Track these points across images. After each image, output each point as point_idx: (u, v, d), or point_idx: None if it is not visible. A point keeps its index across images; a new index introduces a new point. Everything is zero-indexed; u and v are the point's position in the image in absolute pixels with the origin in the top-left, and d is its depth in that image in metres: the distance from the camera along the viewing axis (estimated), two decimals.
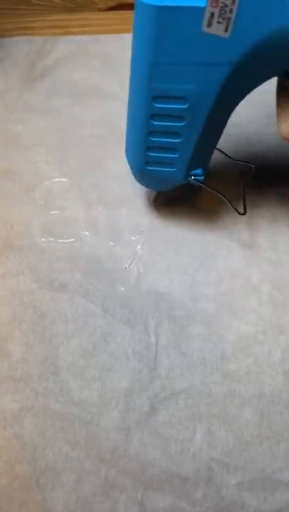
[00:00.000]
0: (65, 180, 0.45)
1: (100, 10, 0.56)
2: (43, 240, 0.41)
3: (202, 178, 0.36)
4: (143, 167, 0.35)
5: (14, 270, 0.40)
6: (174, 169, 0.35)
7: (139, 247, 0.41)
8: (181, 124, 0.31)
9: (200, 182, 0.36)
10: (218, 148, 0.37)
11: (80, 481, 0.33)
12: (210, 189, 0.37)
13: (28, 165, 0.45)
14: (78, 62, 0.52)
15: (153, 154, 0.34)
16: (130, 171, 0.38)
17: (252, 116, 0.47)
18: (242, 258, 0.41)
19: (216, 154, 0.37)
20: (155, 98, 0.29)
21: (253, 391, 0.36)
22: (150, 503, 0.33)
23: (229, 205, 0.38)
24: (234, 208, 0.38)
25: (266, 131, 0.47)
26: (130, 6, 0.55)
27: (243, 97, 0.30)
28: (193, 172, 0.35)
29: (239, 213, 0.37)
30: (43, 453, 0.34)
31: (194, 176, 0.36)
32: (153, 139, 0.33)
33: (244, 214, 0.38)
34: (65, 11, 0.56)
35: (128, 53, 0.52)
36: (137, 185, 0.43)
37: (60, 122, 0.48)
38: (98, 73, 0.52)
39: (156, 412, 0.35)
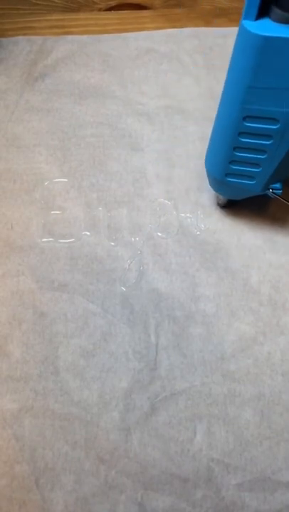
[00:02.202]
0: (65, 180, 0.44)
1: (100, 10, 0.56)
2: (44, 240, 0.41)
3: (280, 192, 0.37)
4: (222, 178, 0.36)
5: (14, 270, 0.40)
6: (254, 182, 0.36)
7: (139, 246, 0.41)
8: (268, 143, 0.32)
9: (277, 195, 0.37)
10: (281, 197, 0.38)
11: (79, 481, 0.33)
12: (287, 202, 0.37)
13: (28, 165, 0.45)
14: (79, 62, 0.52)
15: (235, 167, 0.35)
16: (207, 177, 0.40)
17: None
18: (242, 259, 0.41)
19: None
20: (246, 118, 0.30)
21: (252, 391, 0.36)
22: (150, 503, 0.33)
23: None
24: None
25: None
26: (130, 6, 0.55)
27: None
28: (272, 186, 0.36)
29: None
30: (43, 453, 0.34)
31: (273, 189, 0.36)
32: (237, 154, 0.34)
33: None
34: (66, 11, 0.56)
35: (128, 53, 0.53)
36: (138, 184, 0.44)
37: (61, 122, 0.48)
38: (99, 73, 0.52)
39: (156, 413, 0.35)
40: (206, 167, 0.38)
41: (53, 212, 0.43)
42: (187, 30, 0.55)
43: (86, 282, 0.40)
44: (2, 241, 0.41)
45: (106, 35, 0.54)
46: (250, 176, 0.35)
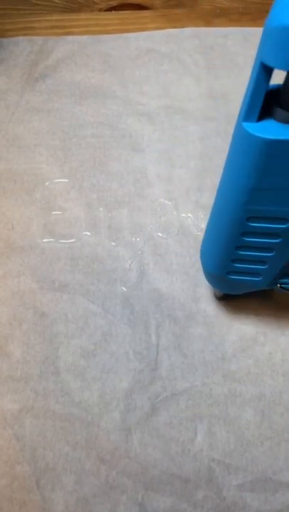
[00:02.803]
0: (66, 180, 0.45)
1: (100, 10, 0.56)
2: (44, 240, 0.41)
3: None
4: (223, 275, 0.33)
5: (15, 271, 0.40)
6: (259, 279, 0.33)
7: (140, 247, 0.41)
8: (276, 241, 0.29)
9: (287, 290, 0.34)
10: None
11: (80, 481, 0.33)
12: None
13: (29, 165, 0.45)
14: (79, 62, 0.52)
15: (238, 265, 0.32)
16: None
17: None
18: None
19: None
20: (250, 218, 0.27)
21: (253, 392, 0.36)
22: (151, 504, 0.33)
23: None
24: None
25: None
26: (131, 7, 0.55)
27: None
28: (280, 281, 0.34)
29: None
30: (43, 453, 0.34)
31: (281, 285, 0.34)
32: (241, 253, 0.30)
33: None
34: (66, 11, 0.56)
35: (129, 53, 0.52)
36: (139, 184, 0.44)
37: (61, 122, 0.48)
38: (99, 73, 0.52)
39: (156, 413, 0.35)
40: (201, 262, 0.35)
41: (53, 212, 0.43)
42: (188, 30, 0.55)
43: (87, 282, 0.40)
44: (3, 241, 0.41)
45: (106, 36, 0.54)
46: (255, 273, 0.32)
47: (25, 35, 0.54)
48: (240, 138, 0.25)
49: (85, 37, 0.54)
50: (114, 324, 0.38)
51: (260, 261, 0.31)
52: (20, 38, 0.54)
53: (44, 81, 0.51)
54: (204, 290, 0.39)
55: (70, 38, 0.54)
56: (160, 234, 0.42)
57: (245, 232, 0.28)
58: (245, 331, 0.38)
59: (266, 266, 0.31)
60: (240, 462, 0.34)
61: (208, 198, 0.43)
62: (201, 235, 0.42)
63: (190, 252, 0.41)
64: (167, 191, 0.44)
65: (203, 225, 0.42)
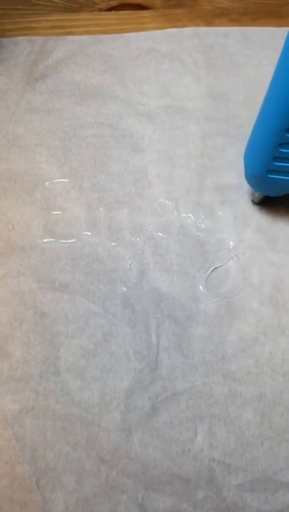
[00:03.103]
0: (66, 180, 0.44)
1: (101, 10, 0.56)
2: (44, 240, 0.41)
3: None
4: (263, 175, 0.35)
5: (15, 271, 0.40)
6: None
7: (140, 247, 0.41)
8: None
9: None
10: None
11: (80, 482, 0.33)
12: None
13: (29, 165, 0.45)
14: (79, 62, 0.52)
15: (279, 164, 0.34)
16: (244, 174, 0.39)
17: None
18: (243, 259, 0.41)
19: None
20: None
21: (254, 392, 0.36)
22: (151, 504, 0.33)
23: None
24: None
25: None
26: (131, 7, 0.55)
27: None
28: None
29: None
30: (44, 454, 0.34)
31: None
32: (283, 150, 0.32)
33: None
34: (66, 11, 0.56)
35: (129, 53, 0.52)
36: (139, 184, 0.44)
37: (62, 123, 0.48)
38: (99, 73, 0.52)
39: (157, 413, 0.35)
40: (244, 163, 0.37)
41: (53, 212, 0.43)
42: (188, 30, 0.55)
43: (87, 282, 0.40)
44: (3, 241, 0.41)
45: (107, 36, 0.54)
46: None
47: (25, 35, 0.54)
48: None
49: (85, 37, 0.54)
50: (115, 324, 0.38)
51: None
52: (21, 38, 0.54)
53: (44, 81, 0.51)
54: (205, 290, 0.39)
55: (70, 38, 0.54)
56: (160, 234, 0.42)
57: None
58: (245, 330, 0.38)
59: None
60: (241, 462, 0.34)
61: (209, 198, 0.43)
62: (201, 235, 0.42)
63: (190, 252, 0.41)
64: (167, 191, 0.44)
65: (204, 225, 0.42)
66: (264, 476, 0.34)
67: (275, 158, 0.33)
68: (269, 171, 0.35)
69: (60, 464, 0.34)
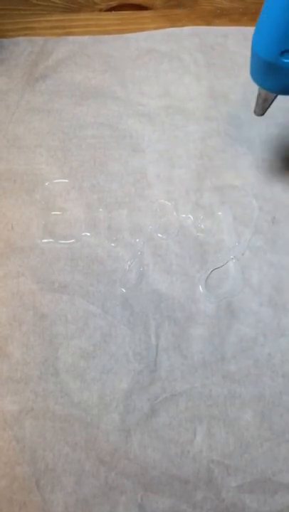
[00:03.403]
0: (66, 181, 0.44)
1: (101, 10, 0.56)
2: (44, 240, 0.41)
3: None
4: (277, 59, 0.30)
5: (15, 271, 0.40)
6: None
7: (140, 247, 0.41)
8: None
9: None
10: None
11: (79, 482, 0.33)
12: None
13: (29, 166, 0.45)
14: (80, 62, 0.52)
15: None
16: (251, 67, 0.34)
17: None
18: (242, 260, 0.41)
19: None
20: None
21: (253, 393, 0.36)
22: (150, 505, 0.33)
23: None
24: None
25: None
26: (131, 7, 0.55)
27: None
28: None
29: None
30: (43, 455, 0.34)
31: None
32: None
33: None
34: (67, 12, 0.56)
35: (129, 53, 0.52)
36: (139, 185, 0.44)
37: (62, 123, 0.48)
38: (99, 74, 0.51)
39: (156, 414, 0.35)
40: (253, 49, 0.32)
41: (53, 212, 0.43)
42: (188, 29, 0.54)
43: (86, 283, 0.40)
44: (2, 242, 0.41)
45: (107, 36, 0.54)
46: None
47: (25, 35, 0.54)
48: None
49: (85, 37, 0.54)
50: (114, 325, 0.38)
51: None
52: (21, 38, 0.54)
53: (44, 81, 0.51)
54: (204, 291, 0.39)
55: (70, 38, 0.54)
56: (160, 235, 0.42)
57: None
58: (244, 331, 0.38)
59: None
60: (240, 463, 0.34)
61: (208, 199, 0.43)
62: (201, 235, 0.42)
63: (190, 252, 0.41)
64: (167, 192, 0.44)
65: (203, 226, 0.42)
66: (263, 477, 0.34)
67: None
68: (283, 53, 0.30)
69: (59, 465, 0.34)
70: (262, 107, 0.38)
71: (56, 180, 0.45)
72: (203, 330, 0.38)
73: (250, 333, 0.38)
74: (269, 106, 0.37)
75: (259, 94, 0.37)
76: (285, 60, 0.30)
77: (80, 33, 0.54)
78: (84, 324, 0.38)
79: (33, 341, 0.37)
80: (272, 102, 0.37)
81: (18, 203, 0.43)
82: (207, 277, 0.40)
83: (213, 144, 0.47)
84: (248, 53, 0.52)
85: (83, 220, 0.42)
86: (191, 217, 0.43)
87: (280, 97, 0.37)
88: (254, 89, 0.50)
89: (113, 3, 0.56)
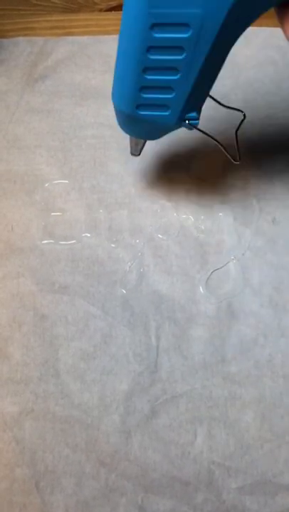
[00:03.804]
0: (66, 181, 0.44)
1: (100, 10, 0.56)
2: (44, 241, 0.41)
3: (197, 122, 0.33)
4: (133, 111, 0.32)
5: (15, 272, 0.40)
6: (168, 113, 0.32)
7: (140, 248, 0.41)
8: (180, 57, 0.28)
9: (195, 126, 0.33)
10: (210, 96, 0.34)
11: (80, 484, 0.33)
12: (205, 133, 0.35)
13: (29, 166, 0.45)
14: (79, 63, 0.52)
15: (146, 95, 0.31)
16: (116, 119, 0.36)
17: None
18: (242, 261, 0.41)
19: (207, 103, 0.35)
20: (154, 26, 0.26)
21: (253, 394, 0.36)
22: (150, 506, 0.33)
23: (224, 151, 0.36)
24: (228, 156, 0.36)
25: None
26: None
27: (246, 27, 0.28)
28: (188, 116, 0.33)
29: (234, 161, 0.36)
30: (43, 456, 0.34)
31: (189, 120, 0.33)
32: (148, 77, 0.29)
33: (238, 162, 0.36)
34: (66, 12, 0.56)
35: None
36: (139, 186, 0.43)
37: (62, 123, 0.48)
38: (99, 74, 0.51)
39: (156, 415, 0.35)
40: (113, 102, 0.34)
41: (53, 213, 0.43)
42: None
43: (87, 284, 0.39)
44: (2, 243, 0.41)
45: (107, 36, 0.54)
46: (163, 105, 0.31)
47: (25, 35, 0.54)
48: None
49: (85, 37, 0.54)
50: (114, 326, 0.38)
51: (167, 87, 0.30)
52: (20, 38, 0.54)
53: (44, 82, 0.51)
54: (205, 292, 0.39)
55: (70, 38, 0.54)
56: (160, 235, 0.42)
57: (151, 46, 0.27)
58: (245, 332, 0.38)
59: (173, 94, 0.30)
60: (240, 465, 0.34)
61: (209, 200, 0.43)
62: (201, 236, 0.42)
63: (190, 253, 0.41)
64: (167, 192, 0.44)
65: (204, 227, 0.42)
66: (264, 478, 0.34)
67: (142, 89, 0.30)
68: (138, 106, 0.32)
69: (59, 467, 0.34)
70: (136, 149, 0.40)
71: (56, 181, 0.44)
72: (204, 331, 0.38)
73: (251, 334, 0.38)
74: (143, 147, 0.39)
75: (130, 138, 0.39)
76: (141, 113, 0.32)
77: (80, 33, 0.54)
78: (84, 325, 0.38)
79: (33, 342, 0.37)
80: (144, 144, 0.39)
81: (18, 204, 0.43)
82: (207, 278, 0.40)
83: (214, 145, 0.47)
84: (249, 53, 0.52)
85: (83, 221, 0.42)
86: (192, 217, 0.43)
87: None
88: (254, 89, 0.50)
89: (113, 3, 0.56)
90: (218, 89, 0.50)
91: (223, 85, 0.50)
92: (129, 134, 0.38)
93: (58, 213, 0.43)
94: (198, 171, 0.45)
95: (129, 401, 0.36)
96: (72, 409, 0.35)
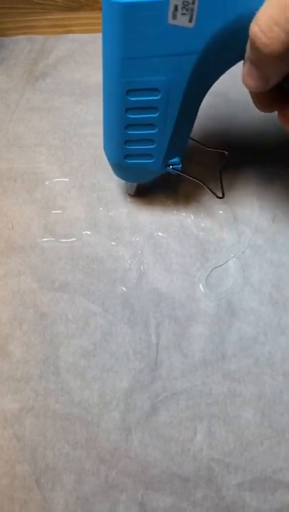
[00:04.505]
0: (66, 180, 0.45)
1: (101, 9, 0.56)
2: (44, 239, 0.41)
3: (180, 166, 0.37)
4: (122, 161, 0.36)
5: (15, 270, 0.40)
6: (152, 160, 0.36)
7: (140, 246, 0.41)
8: (155, 115, 0.32)
9: (178, 171, 0.37)
10: (191, 138, 0.38)
11: (80, 481, 0.33)
12: (188, 177, 0.38)
13: (29, 165, 0.45)
14: (80, 60, 0.52)
15: (131, 147, 0.35)
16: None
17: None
18: (242, 259, 0.41)
19: (191, 143, 0.38)
20: (128, 92, 0.30)
21: (253, 391, 0.36)
22: (150, 503, 0.33)
23: (208, 190, 0.39)
24: (212, 192, 0.39)
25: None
26: None
27: (212, 83, 0.32)
28: (170, 161, 0.37)
29: (217, 197, 0.39)
30: (44, 453, 0.34)
31: (172, 166, 0.37)
32: (130, 132, 0.33)
33: (222, 197, 0.39)
34: (67, 10, 0.56)
35: None
36: (139, 185, 0.43)
37: (62, 121, 0.48)
38: (99, 72, 0.51)
39: (156, 413, 0.35)
40: (105, 154, 0.38)
41: (53, 211, 0.43)
42: None
43: (87, 282, 0.40)
44: (3, 241, 0.41)
45: None
46: (147, 155, 0.36)
47: (25, 33, 0.54)
48: (103, 6, 0.27)
49: (85, 35, 0.54)
50: (114, 324, 0.38)
51: (148, 139, 0.34)
52: (21, 36, 0.54)
53: (44, 80, 0.51)
54: (205, 289, 0.39)
55: (70, 36, 0.54)
56: (160, 233, 0.42)
57: (128, 108, 0.31)
58: (245, 330, 0.38)
59: (154, 145, 0.35)
60: (240, 461, 0.34)
61: (209, 198, 0.43)
62: (201, 234, 0.42)
63: (190, 251, 0.41)
64: (167, 190, 0.44)
65: (204, 225, 0.42)
66: (263, 475, 0.34)
67: (127, 142, 0.35)
68: (126, 156, 0.36)
69: (60, 464, 0.34)
70: (131, 190, 0.43)
71: (56, 179, 0.45)
72: (204, 328, 0.38)
73: (251, 332, 0.38)
74: (136, 187, 0.42)
75: (126, 185, 0.43)
76: (128, 161, 0.36)
77: (80, 31, 0.54)
78: (84, 323, 0.38)
79: (34, 340, 0.38)
80: (137, 185, 0.42)
81: (19, 202, 0.43)
82: (207, 276, 0.40)
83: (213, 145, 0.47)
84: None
85: (84, 219, 0.42)
86: (192, 215, 0.43)
87: None
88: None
89: None
90: (218, 87, 0.50)
91: (223, 85, 0.50)
92: (123, 180, 0.42)
93: (59, 211, 0.43)
94: (198, 170, 0.45)
95: (129, 398, 0.36)
96: (72, 407, 0.35)
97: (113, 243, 0.41)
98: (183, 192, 0.44)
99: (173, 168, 0.37)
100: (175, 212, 0.43)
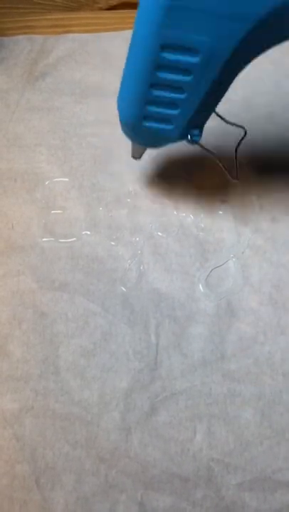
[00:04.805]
0: (66, 179, 0.44)
1: (101, 9, 0.56)
2: (44, 239, 0.41)
3: (198, 138, 0.34)
4: (138, 122, 0.33)
5: (15, 270, 0.40)
6: (172, 127, 0.33)
7: (140, 246, 0.41)
8: (187, 79, 0.29)
9: (196, 142, 0.35)
10: (214, 111, 0.36)
11: (80, 481, 0.33)
12: (205, 149, 0.36)
13: (29, 164, 0.45)
14: (80, 60, 0.52)
15: (152, 109, 0.32)
16: (120, 125, 0.36)
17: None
18: (242, 259, 0.41)
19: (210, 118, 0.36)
20: (164, 47, 0.27)
21: (253, 391, 0.36)
22: (150, 503, 0.33)
23: (223, 169, 0.38)
24: (226, 173, 0.38)
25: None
26: (132, 6, 0.55)
27: (258, 55, 0.28)
28: (190, 132, 0.34)
29: (232, 179, 0.38)
30: (43, 453, 0.34)
31: (191, 136, 0.34)
32: (154, 92, 0.30)
33: (237, 179, 0.37)
34: (66, 10, 0.56)
35: None
36: (139, 184, 0.44)
37: (62, 121, 0.48)
38: (99, 72, 0.51)
39: (156, 413, 0.35)
40: (118, 110, 0.34)
41: (53, 211, 0.43)
42: None
43: (87, 282, 0.40)
44: (3, 241, 0.41)
45: (107, 33, 0.54)
46: (167, 120, 0.32)
47: (25, 33, 0.54)
48: None
49: (85, 35, 0.54)
50: (114, 324, 0.38)
51: (172, 103, 0.31)
52: (21, 36, 0.54)
53: (44, 79, 0.51)
54: (204, 290, 0.39)
55: (70, 35, 0.54)
56: (160, 233, 0.42)
57: (159, 65, 0.28)
58: (244, 330, 0.38)
59: (178, 110, 0.31)
60: (240, 461, 0.34)
61: (209, 197, 0.43)
62: (201, 234, 0.42)
63: (190, 251, 0.41)
64: (167, 191, 0.44)
65: (203, 225, 0.42)
66: (263, 475, 0.34)
67: (148, 103, 0.31)
68: (143, 118, 0.33)
69: (59, 463, 0.34)
70: (137, 153, 0.41)
71: (56, 179, 0.45)
72: (203, 328, 0.38)
73: (250, 332, 0.38)
74: (144, 151, 0.40)
75: (132, 143, 0.40)
76: (146, 124, 0.33)
77: (80, 31, 0.54)
78: (84, 323, 0.38)
79: (34, 340, 0.37)
80: (145, 149, 0.40)
81: (19, 202, 0.43)
82: (207, 276, 0.40)
83: (214, 144, 0.47)
84: None
85: (83, 219, 0.42)
86: (191, 216, 0.43)
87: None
88: (254, 89, 0.50)
89: (113, 2, 0.56)
90: None
91: None
92: (132, 141, 0.39)
93: (59, 211, 0.43)
94: (198, 170, 0.45)
95: (129, 398, 0.36)
96: (72, 406, 0.35)
97: (113, 243, 0.41)
98: (183, 192, 0.44)
99: (192, 139, 0.34)
100: (175, 212, 0.43)
